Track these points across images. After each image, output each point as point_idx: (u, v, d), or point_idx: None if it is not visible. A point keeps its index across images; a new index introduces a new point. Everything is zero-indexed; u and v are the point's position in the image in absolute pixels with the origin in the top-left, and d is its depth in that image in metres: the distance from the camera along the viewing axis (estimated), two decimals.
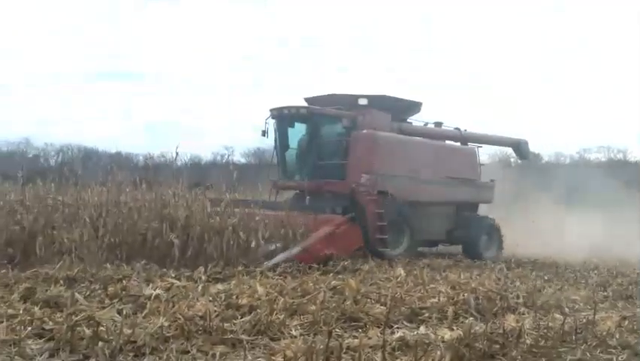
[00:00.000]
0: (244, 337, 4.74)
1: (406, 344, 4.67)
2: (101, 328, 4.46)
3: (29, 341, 4.34)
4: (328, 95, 13.30)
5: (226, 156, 48.15)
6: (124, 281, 6.97)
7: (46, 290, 6.03)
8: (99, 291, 6.32)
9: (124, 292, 6.18)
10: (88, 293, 6.14)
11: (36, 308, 5.28)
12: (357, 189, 12.06)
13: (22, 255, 7.96)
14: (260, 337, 4.86)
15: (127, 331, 4.47)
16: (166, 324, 4.74)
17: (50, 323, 4.76)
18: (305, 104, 13.62)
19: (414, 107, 14.37)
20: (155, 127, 77.27)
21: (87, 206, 9.88)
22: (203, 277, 7.55)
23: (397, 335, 5.01)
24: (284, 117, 13.22)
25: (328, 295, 6.48)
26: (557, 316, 6.05)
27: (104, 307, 5.44)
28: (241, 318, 5.30)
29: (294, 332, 5.05)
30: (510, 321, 5.71)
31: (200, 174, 31.45)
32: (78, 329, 4.40)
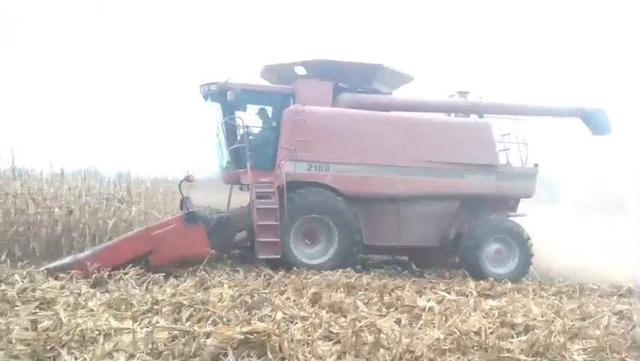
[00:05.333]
0: (522, 357, 4.61)
1: None
2: (382, 335, 4.75)
3: (319, 343, 4.78)
4: (264, 67, 10.81)
5: None
6: (397, 291, 7.30)
7: (330, 296, 6.61)
8: (375, 299, 6.72)
9: (399, 302, 6.49)
10: (366, 301, 6.57)
11: (323, 312, 5.84)
12: (255, 181, 9.48)
13: None
14: (539, 359, 4.68)
15: (405, 340, 4.69)
16: (442, 337, 4.86)
17: (336, 326, 5.21)
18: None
19: (373, 72, 10.68)
20: None
21: None
22: (474, 292, 7.53)
23: None
24: (216, 96, 10.54)
25: (613, 319, 5.98)
26: None
27: (382, 315, 5.79)
28: (517, 337, 5.19)
29: (576, 357, 4.77)
30: None
31: None
32: (361, 334, 4.75)
